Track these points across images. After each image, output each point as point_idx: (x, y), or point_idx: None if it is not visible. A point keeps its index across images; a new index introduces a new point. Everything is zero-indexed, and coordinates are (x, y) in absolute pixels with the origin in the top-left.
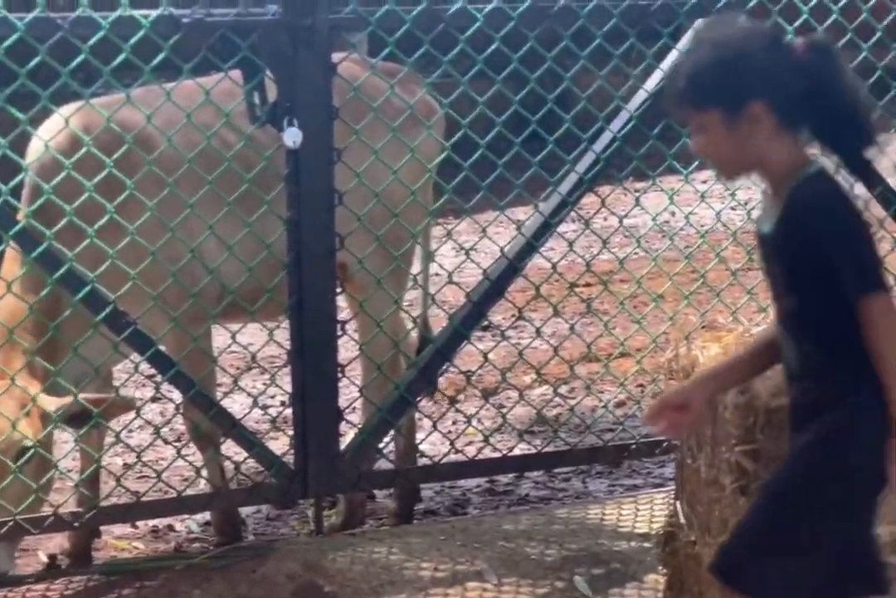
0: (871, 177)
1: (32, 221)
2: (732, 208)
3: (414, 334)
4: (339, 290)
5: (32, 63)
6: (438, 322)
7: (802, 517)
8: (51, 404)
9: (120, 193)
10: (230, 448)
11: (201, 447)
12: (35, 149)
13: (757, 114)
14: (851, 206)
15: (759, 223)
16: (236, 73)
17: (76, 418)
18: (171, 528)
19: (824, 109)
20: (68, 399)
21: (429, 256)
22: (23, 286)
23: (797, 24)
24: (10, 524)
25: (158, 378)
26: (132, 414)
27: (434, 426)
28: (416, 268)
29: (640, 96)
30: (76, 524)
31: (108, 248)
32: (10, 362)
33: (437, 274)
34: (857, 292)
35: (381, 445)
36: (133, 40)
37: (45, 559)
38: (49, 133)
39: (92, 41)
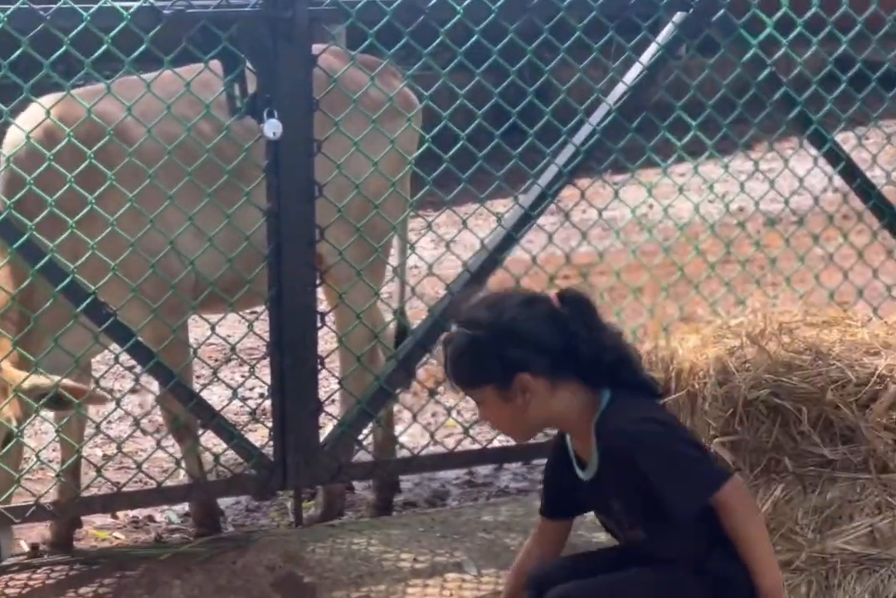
0: (653, 388)
1: (13, 211)
2: (710, 201)
3: (392, 326)
4: (317, 282)
5: (15, 55)
6: (418, 314)
7: None
8: (18, 377)
9: (97, 185)
10: (209, 440)
11: (180, 439)
12: (13, 139)
13: (525, 383)
14: (654, 419)
15: (578, 469)
16: (215, 64)
17: (46, 395)
18: (150, 519)
19: (585, 355)
20: (43, 379)
21: (406, 248)
22: (4, 277)
23: (777, 16)
24: None
25: (138, 369)
26: (112, 405)
27: (414, 418)
28: (393, 260)
29: (620, 89)
30: (57, 514)
31: (87, 239)
32: None
33: (416, 266)
34: (707, 495)
35: (360, 436)
36: (114, 32)
37: (27, 548)
38: (27, 124)
39: (73, 33)
